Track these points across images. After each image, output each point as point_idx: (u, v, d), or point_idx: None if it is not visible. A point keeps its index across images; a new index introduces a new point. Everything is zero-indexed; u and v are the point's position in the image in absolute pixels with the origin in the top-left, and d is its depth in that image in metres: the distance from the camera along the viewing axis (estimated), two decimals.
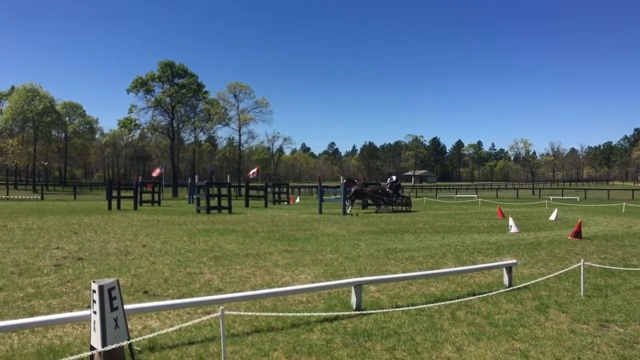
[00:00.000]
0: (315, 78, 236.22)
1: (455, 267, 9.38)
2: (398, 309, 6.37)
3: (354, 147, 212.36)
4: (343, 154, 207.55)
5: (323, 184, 29.04)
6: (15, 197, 48.65)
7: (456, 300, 6.76)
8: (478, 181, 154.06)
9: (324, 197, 27.26)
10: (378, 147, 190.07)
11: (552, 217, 21.83)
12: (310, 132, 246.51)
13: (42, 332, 5.32)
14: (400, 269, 9.44)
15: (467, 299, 6.83)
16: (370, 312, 6.18)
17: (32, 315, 5.83)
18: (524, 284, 7.78)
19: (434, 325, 5.79)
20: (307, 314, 5.94)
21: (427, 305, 6.44)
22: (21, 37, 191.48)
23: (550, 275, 8.17)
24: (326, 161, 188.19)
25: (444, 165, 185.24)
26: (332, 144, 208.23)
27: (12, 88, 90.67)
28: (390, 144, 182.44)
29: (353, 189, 26.89)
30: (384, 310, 6.28)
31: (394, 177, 29.92)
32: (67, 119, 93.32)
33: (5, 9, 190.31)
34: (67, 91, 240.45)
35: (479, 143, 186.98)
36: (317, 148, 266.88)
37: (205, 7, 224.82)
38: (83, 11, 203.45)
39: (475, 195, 56.28)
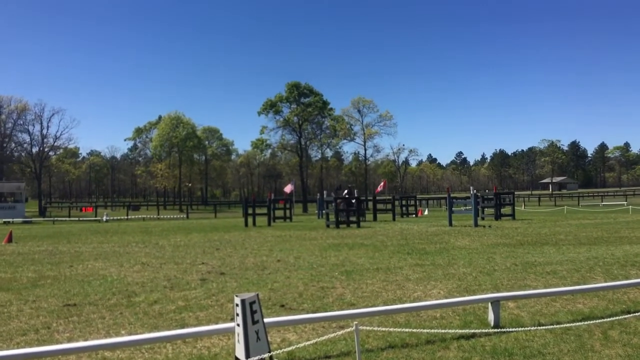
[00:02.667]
0: (439, 86, 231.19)
1: (605, 282, 8.56)
2: (541, 327, 5.96)
3: (483, 156, 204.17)
4: (472, 163, 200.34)
5: (452, 195, 28.22)
6: (165, 216, 53.54)
7: (608, 319, 6.16)
8: (627, 186, 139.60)
9: (453, 209, 26.47)
10: (509, 154, 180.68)
11: None
12: (437, 143, 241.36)
13: (192, 342, 5.76)
14: (541, 284, 8.83)
15: (620, 317, 6.20)
16: (510, 330, 5.85)
17: (183, 327, 6.34)
18: None
19: (583, 345, 5.33)
20: (443, 331, 5.78)
21: (574, 324, 5.95)
22: (163, 71, 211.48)
23: None
24: (454, 171, 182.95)
25: (585, 171, 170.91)
26: (460, 153, 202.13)
27: (160, 117, 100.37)
28: (522, 150, 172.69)
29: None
30: (525, 328, 5.91)
31: (345, 192, 31.43)
32: (206, 142, 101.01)
33: (146, 50, 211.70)
34: (205, 117, 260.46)
35: (626, 145, 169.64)
36: (444, 158, 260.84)
37: (326, 27, 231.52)
38: (211, 43, 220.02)
39: (625, 203, 51.08)
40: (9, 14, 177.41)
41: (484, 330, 5.89)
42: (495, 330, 5.90)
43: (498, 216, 29.30)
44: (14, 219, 44.67)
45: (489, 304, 6.19)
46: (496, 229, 21.39)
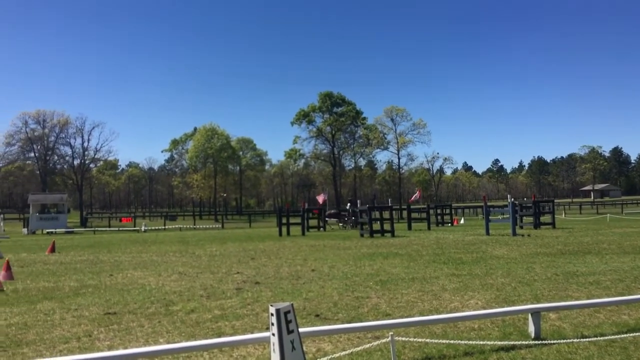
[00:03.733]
0: (474, 93, 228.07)
1: None
2: (584, 339, 5.77)
3: (520, 163, 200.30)
4: (509, 170, 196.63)
5: (489, 204, 27.76)
6: (201, 226, 54.33)
7: None
8: None
9: (490, 217, 26.00)
10: (548, 161, 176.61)
11: None
12: (472, 150, 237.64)
13: (228, 351, 5.80)
14: (583, 294, 8.57)
15: None
16: (552, 342, 5.69)
17: (219, 336, 6.40)
18: None
19: (628, 358, 5.14)
20: (481, 342, 5.66)
21: (619, 336, 5.74)
22: (198, 83, 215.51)
23: None
24: (490, 179, 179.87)
25: (628, 177, 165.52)
26: (496, 160, 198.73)
27: (195, 129, 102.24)
28: (562, 157, 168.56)
29: (331, 212, 35.59)
30: (568, 340, 5.73)
31: (348, 205, 38.16)
32: (240, 153, 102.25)
33: (181, 63, 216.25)
34: (239, 127, 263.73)
35: None
36: (480, 166, 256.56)
37: (358, 36, 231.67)
38: (244, 54, 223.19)
39: None
40: (50, 30, 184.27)
41: (524, 342, 5.75)
42: (536, 342, 5.75)
43: (537, 225, 28.61)
44: (57, 230, 46.06)
45: (529, 315, 6.04)
46: (535, 238, 20.89)
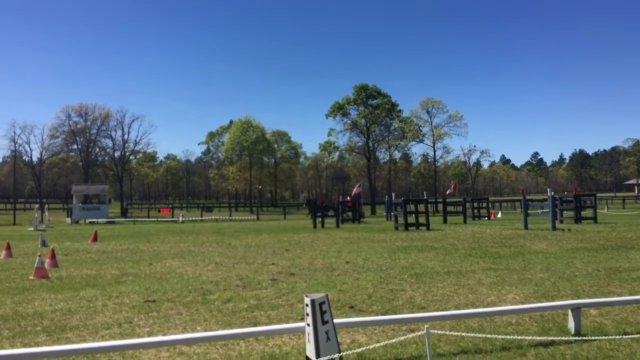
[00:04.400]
0: (512, 85, 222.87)
1: None
2: (627, 336, 5.61)
3: (561, 156, 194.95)
4: (549, 164, 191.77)
5: (527, 197, 27.16)
6: (236, 217, 55.06)
7: None
8: None
9: (529, 212, 25.45)
10: (590, 154, 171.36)
11: None
12: (510, 143, 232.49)
13: (264, 340, 5.88)
14: (626, 290, 8.32)
15: None
16: (593, 338, 5.54)
17: (255, 325, 6.49)
18: None
19: None
20: (519, 337, 5.56)
21: None
22: (234, 77, 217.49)
23: None
24: (529, 172, 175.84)
25: None
26: (536, 154, 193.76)
27: (231, 122, 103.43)
28: (605, 150, 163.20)
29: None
30: (609, 337, 5.57)
31: (347, 197, 37.31)
32: (275, 145, 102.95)
33: (217, 57, 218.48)
34: (274, 120, 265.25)
35: None
36: (519, 159, 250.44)
37: (393, 28, 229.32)
38: (279, 48, 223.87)
39: None
40: (89, 27, 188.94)
41: (563, 338, 5.62)
42: (576, 338, 5.62)
43: (578, 219, 27.84)
44: (99, 219, 47.46)
45: (569, 311, 5.90)
46: (576, 233, 20.36)
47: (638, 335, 5.56)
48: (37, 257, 11.15)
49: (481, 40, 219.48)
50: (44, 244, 18.75)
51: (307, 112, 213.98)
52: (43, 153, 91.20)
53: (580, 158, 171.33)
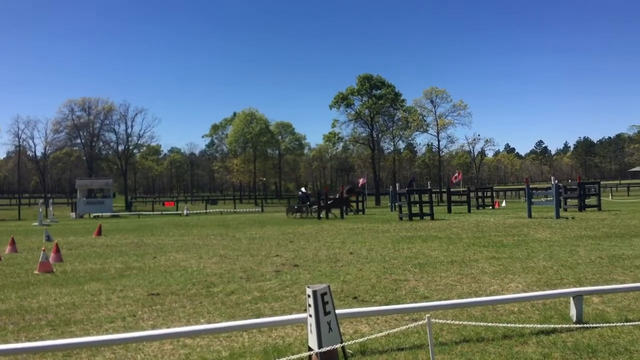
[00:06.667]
0: (516, 73, 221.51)
1: None
2: (628, 323, 5.60)
3: (565, 144, 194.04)
4: (553, 152, 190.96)
5: (532, 186, 27.09)
6: (241, 210, 55.16)
7: None
8: None
9: (533, 200, 25.38)
10: (595, 142, 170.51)
11: None
12: (515, 132, 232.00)
13: (267, 332, 5.91)
14: (629, 278, 8.31)
15: None
16: (594, 325, 5.55)
17: (258, 317, 6.52)
18: None
19: None
20: (520, 325, 5.58)
21: None
22: (237, 69, 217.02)
23: None
24: (534, 161, 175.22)
25: None
26: (540, 142, 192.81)
27: (234, 114, 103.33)
28: (609, 137, 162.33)
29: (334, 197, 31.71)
30: (611, 324, 5.57)
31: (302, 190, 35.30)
32: (279, 137, 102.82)
33: (220, 50, 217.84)
34: (278, 112, 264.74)
35: None
36: (523, 148, 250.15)
37: (396, 18, 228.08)
38: (281, 39, 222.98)
39: None
40: (93, 21, 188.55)
41: (565, 326, 5.63)
42: (578, 325, 5.63)
43: (582, 207, 27.74)
44: (103, 213, 47.63)
45: (571, 299, 5.90)
46: (580, 221, 20.31)
47: None
48: (42, 252, 11.21)
49: (485, 30, 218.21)
50: (48, 238, 18.85)
51: (311, 104, 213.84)
52: (47, 148, 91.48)
53: (585, 146, 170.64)
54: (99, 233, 21.12)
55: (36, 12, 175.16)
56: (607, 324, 5.57)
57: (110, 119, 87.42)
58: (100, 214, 47.03)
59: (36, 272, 10.92)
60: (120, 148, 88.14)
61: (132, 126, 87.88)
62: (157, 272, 10.55)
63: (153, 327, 6.22)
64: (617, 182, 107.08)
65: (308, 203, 32.55)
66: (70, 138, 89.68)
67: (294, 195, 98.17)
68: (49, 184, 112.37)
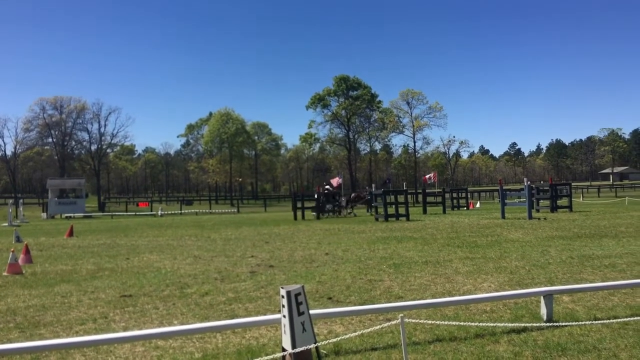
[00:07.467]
0: (490, 76, 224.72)
1: None
2: (597, 321, 5.73)
3: (538, 146, 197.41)
4: (526, 154, 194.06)
5: (505, 187, 27.53)
6: (217, 210, 54.76)
7: None
8: None
9: (506, 201, 25.79)
10: (567, 144, 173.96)
11: None
12: (489, 134, 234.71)
13: (241, 333, 5.88)
14: (598, 277, 8.50)
15: None
16: (564, 324, 5.66)
17: (232, 318, 6.48)
18: None
19: None
20: (492, 324, 5.66)
21: (633, 318, 5.70)
22: (213, 69, 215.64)
23: None
24: (507, 163, 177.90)
25: None
26: (514, 144, 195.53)
27: (210, 114, 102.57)
28: (581, 140, 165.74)
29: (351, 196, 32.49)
30: (580, 322, 5.69)
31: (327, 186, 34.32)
32: (256, 137, 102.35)
33: (196, 50, 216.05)
34: (254, 112, 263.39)
35: None
36: (497, 149, 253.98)
37: (372, 20, 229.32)
38: (258, 40, 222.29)
39: None
40: (65, 18, 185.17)
41: (535, 324, 5.73)
42: (548, 324, 5.73)
43: (554, 208, 28.30)
44: (75, 214, 46.78)
45: (542, 298, 6.01)
46: (552, 222, 20.71)
47: (608, 321, 5.69)
48: (11, 253, 10.95)
49: (458, 31, 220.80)
50: (18, 239, 18.43)
51: (287, 104, 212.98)
52: (17, 147, 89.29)
53: (557, 148, 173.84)
54: (71, 234, 20.73)
55: (4, 9, 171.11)
56: (577, 323, 5.68)
57: (82, 118, 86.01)
58: (72, 215, 46.20)
59: (5, 273, 10.67)
60: (93, 147, 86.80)
61: (105, 125, 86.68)
62: (130, 274, 10.40)
63: (125, 329, 6.13)
64: (588, 183, 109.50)
65: (337, 203, 31.52)
66: (42, 137, 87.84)
67: (270, 196, 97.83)
68: (20, 183, 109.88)
